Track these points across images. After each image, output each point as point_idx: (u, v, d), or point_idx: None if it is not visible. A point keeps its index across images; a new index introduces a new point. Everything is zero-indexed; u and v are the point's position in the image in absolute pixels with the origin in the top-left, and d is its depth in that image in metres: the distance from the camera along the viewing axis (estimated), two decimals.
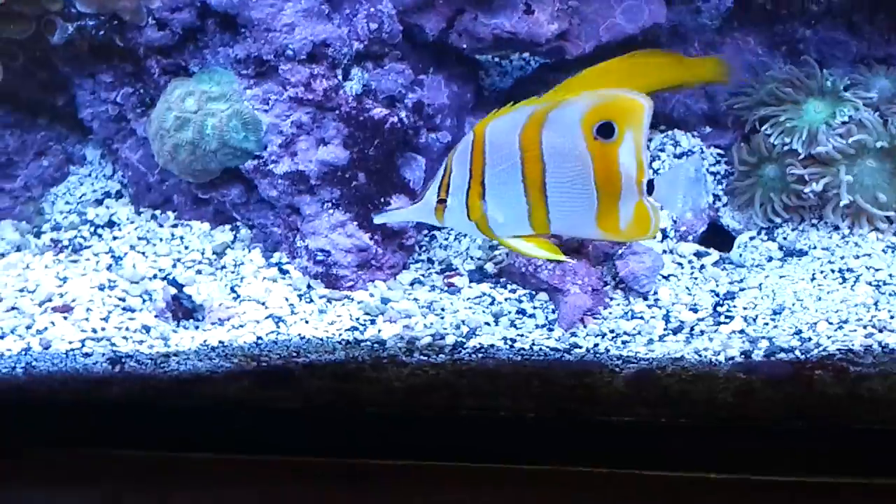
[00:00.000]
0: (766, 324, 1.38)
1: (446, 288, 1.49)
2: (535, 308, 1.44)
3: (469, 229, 1.37)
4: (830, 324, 1.36)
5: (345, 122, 1.44)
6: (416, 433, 1.44)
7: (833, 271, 1.47)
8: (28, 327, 1.41)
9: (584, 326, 1.40)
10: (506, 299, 1.46)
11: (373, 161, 1.45)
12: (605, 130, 1.27)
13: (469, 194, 1.32)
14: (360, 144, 1.44)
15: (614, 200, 1.30)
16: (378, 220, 1.43)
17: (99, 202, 1.69)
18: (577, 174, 1.29)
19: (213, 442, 1.43)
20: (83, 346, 1.37)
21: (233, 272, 1.54)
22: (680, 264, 1.52)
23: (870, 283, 1.44)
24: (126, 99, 1.57)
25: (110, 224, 1.65)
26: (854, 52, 1.60)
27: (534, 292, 1.46)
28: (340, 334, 1.38)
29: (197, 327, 1.42)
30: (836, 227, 1.53)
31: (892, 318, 1.36)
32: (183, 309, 1.44)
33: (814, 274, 1.47)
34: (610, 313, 1.43)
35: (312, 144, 1.45)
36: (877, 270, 1.46)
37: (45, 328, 1.40)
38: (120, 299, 1.47)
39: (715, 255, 1.55)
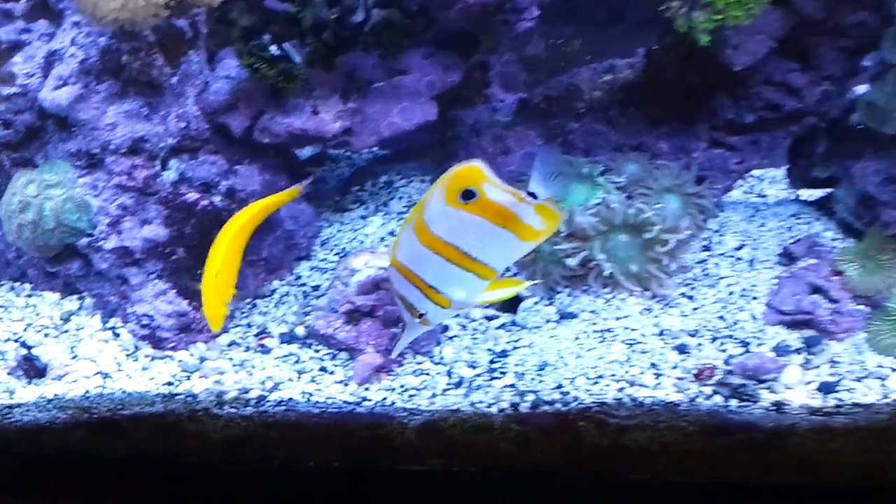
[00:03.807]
0: (533, 379, 1.52)
1: (258, 348, 1.66)
2: (335, 366, 1.60)
3: (451, 313, 1.48)
4: (588, 379, 1.50)
5: (164, 205, 1.64)
6: (235, 484, 1.54)
7: (595, 332, 1.62)
8: None
9: (379, 382, 1.56)
10: (310, 358, 1.62)
11: (189, 238, 1.65)
12: (469, 194, 1.38)
13: (430, 297, 1.44)
14: (178, 224, 1.64)
15: (517, 222, 1.39)
16: (394, 355, 1.55)
17: None
18: (479, 232, 1.40)
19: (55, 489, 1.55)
20: None
21: (74, 335, 1.72)
22: (464, 326, 1.69)
23: (624, 342, 1.58)
24: None
25: None
26: (613, 140, 1.80)
27: (336, 352, 1.63)
28: (157, 388, 1.54)
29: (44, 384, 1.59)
30: (598, 294, 1.69)
31: (642, 373, 1.50)
32: (35, 369, 1.62)
33: (577, 334, 1.62)
34: (402, 370, 1.59)
35: (136, 224, 1.65)
36: (632, 330, 1.61)
37: None
38: None
39: (504, 318, 1.70)
